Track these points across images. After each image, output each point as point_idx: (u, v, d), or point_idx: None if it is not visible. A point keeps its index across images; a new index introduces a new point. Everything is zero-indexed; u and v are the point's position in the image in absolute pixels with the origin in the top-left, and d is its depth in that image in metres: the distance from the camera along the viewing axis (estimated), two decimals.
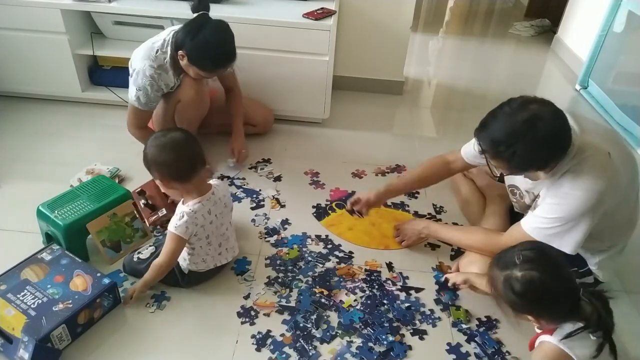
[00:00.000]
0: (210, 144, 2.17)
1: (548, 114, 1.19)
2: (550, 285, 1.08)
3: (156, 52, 1.80)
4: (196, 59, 1.76)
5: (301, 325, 1.43)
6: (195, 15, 1.79)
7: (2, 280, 1.37)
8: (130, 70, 1.88)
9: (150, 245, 1.55)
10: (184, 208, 1.39)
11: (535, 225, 1.33)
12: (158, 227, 1.72)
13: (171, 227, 1.38)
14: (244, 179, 2.05)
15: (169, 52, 1.81)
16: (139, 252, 1.53)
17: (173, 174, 1.37)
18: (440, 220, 1.91)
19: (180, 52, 1.77)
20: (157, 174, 1.39)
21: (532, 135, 1.17)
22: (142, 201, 1.64)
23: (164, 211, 1.65)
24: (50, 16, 2.19)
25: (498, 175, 1.36)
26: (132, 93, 1.85)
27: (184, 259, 1.48)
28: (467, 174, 1.91)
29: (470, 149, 1.58)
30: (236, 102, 2.13)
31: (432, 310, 1.51)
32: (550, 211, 1.30)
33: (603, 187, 1.23)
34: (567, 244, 1.29)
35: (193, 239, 1.42)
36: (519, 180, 1.50)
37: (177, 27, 1.85)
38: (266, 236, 1.76)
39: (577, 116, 1.33)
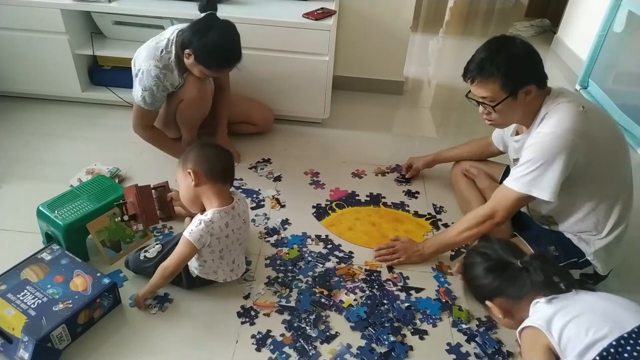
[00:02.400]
0: None
1: (520, 39, 1.37)
2: (493, 255, 1.20)
3: (161, 52, 1.80)
4: (203, 58, 1.77)
5: (302, 325, 1.43)
6: (203, 14, 1.80)
7: (2, 280, 1.37)
8: (134, 70, 1.88)
9: (157, 244, 1.54)
10: (202, 216, 1.38)
11: (514, 176, 1.40)
12: (159, 227, 1.72)
13: (186, 232, 1.38)
14: (241, 179, 2.05)
15: (173, 52, 1.81)
16: (145, 251, 1.52)
17: (208, 170, 1.39)
18: (440, 220, 1.91)
19: (187, 50, 1.78)
20: (192, 164, 1.40)
21: (509, 49, 1.34)
22: (121, 214, 1.59)
23: (145, 222, 1.61)
24: (50, 16, 2.19)
25: (492, 112, 1.40)
26: (137, 94, 1.85)
27: (195, 267, 1.47)
28: (467, 174, 1.92)
29: (495, 133, 1.79)
30: (224, 102, 2.15)
31: (432, 311, 1.51)
32: (525, 156, 1.37)
33: (572, 128, 1.30)
34: (544, 189, 1.34)
35: (206, 250, 1.40)
36: (512, 149, 1.57)
37: (180, 26, 1.86)
38: (266, 236, 1.76)
39: (567, 89, 1.45)
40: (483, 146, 1.89)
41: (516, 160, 1.54)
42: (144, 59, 1.81)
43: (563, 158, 1.30)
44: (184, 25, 1.84)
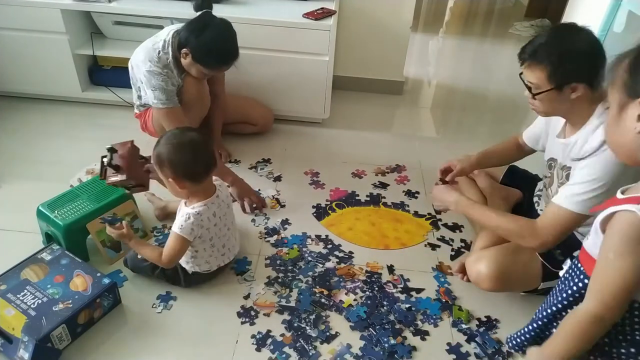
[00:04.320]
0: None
1: (589, 33, 1.26)
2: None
3: (158, 54, 1.80)
4: (201, 57, 1.76)
5: (302, 325, 1.43)
6: (199, 13, 1.79)
7: (2, 280, 1.37)
8: (131, 73, 1.88)
9: (155, 243, 1.54)
10: (189, 210, 1.38)
11: (568, 193, 1.26)
12: (159, 227, 1.72)
13: (176, 228, 1.38)
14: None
15: (170, 53, 1.81)
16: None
17: (188, 174, 1.35)
18: (440, 220, 1.91)
19: (184, 50, 1.77)
20: (170, 172, 1.35)
21: (570, 41, 1.25)
22: (109, 158, 1.53)
23: (125, 177, 1.53)
24: (50, 16, 2.19)
25: (536, 93, 1.30)
26: (150, 97, 1.82)
27: (186, 262, 1.48)
28: (471, 175, 1.90)
29: (528, 132, 1.63)
30: (219, 110, 2.15)
31: (432, 311, 1.51)
32: (583, 176, 1.24)
33: None
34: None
35: (197, 241, 1.42)
36: (556, 150, 1.44)
37: (175, 26, 1.85)
38: (266, 236, 1.76)
39: None
40: (516, 148, 1.70)
41: (552, 161, 1.47)
42: (142, 61, 1.80)
43: (624, 180, 1.19)
44: (179, 25, 1.84)
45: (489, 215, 1.44)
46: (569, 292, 1.04)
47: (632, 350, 0.94)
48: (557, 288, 1.11)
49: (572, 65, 1.24)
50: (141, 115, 2.04)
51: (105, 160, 1.53)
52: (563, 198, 1.27)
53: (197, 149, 1.36)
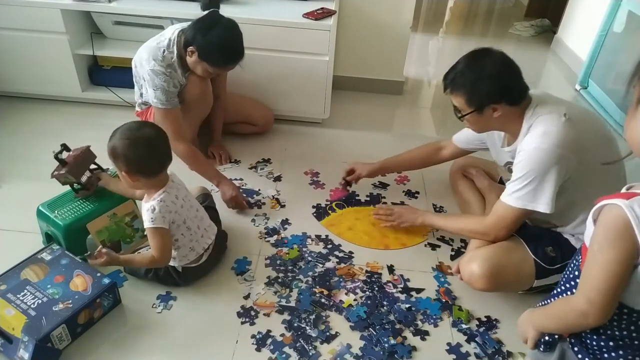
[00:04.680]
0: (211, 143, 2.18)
1: (498, 55, 1.40)
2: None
3: (163, 52, 1.80)
4: (207, 55, 1.76)
5: (302, 325, 1.43)
6: (206, 12, 1.80)
7: (2, 280, 1.37)
8: (135, 71, 1.88)
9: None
10: (151, 202, 1.37)
11: (510, 191, 1.40)
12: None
13: (147, 224, 1.36)
14: (241, 179, 2.05)
15: (175, 51, 1.81)
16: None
17: (142, 170, 1.35)
18: None
19: (190, 48, 1.77)
20: (123, 167, 1.34)
21: (481, 67, 1.37)
22: (57, 151, 1.55)
23: (63, 171, 1.55)
24: (50, 16, 2.19)
25: (461, 116, 1.45)
26: (151, 96, 1.82)
27: (173, 259, 1.47)
28: (467, 174, 1.92)
29: (460, 135, 1.78)
30: (220, 110, 2.16)
31: (432, 311, 1.51)
32: (516, 172, 1.38)
33: (557, 141, 1.31)
34: (541, 203, 1.34)
35: (173, 228, 1.41)
36: (505, 157, 1.57)
37: (180, 25, 1.85)
38: (266, 236, 1.76)
39: (548, 94, 1.49)
40: (430, 153, 1.90)
41: (508, 164, 1.55)
42: (146, 60, 1.80)
43: (553, 171, 1.31)
44: (185, 24, 1.84)
45: (451, 221, 1.65)
46: (572, 282, 1.03)
47: (611, 344, 0.94)
48: (566, 273, 1.10)
49: (484, 90, 1.37)
50: (142, 114, 2.04)
51: (54, 152, 1.55)
52: (505, 195, 1.42)
53: (151, 145, 1.35)
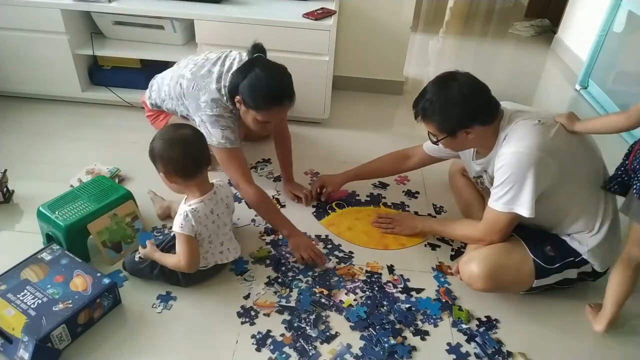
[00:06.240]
0: None
1: (464, 78, 1.38)
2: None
3: (226, 100, 1.69)
4: (250, 99, 1.59)
5: (302, 325, 1.43)
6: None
7: (2, 280, 1.37)
8: (175, 89, 1.79)
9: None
10: (186, 207, 1.40)
11: (494, 197, 1.42)
12: (159, 227, 1.72)
13: (176, 227, 1.38)
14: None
15: (229, 105, 1.70)
16: (139, 252, 1.53)
17: (178, 170, 1.38)
18: None
19: (237, 98, 1.63)
20: (161, 167, 1.39)
21: (447, 94, 1.37)
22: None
23: None
24: (50, 16, 2.19)
25: (436, 141, 1.47)
26: (218, 136, 1.66)
27: None
28: (466, 174, 1.91)
29: (429, 144, 1.73)
30: (287, 149, 2.02)
31: (432, 311, 1.51)
32: (498, 178, 1.40)
33: (533, 144, 1.33)
34: (522, 207, 1.36)
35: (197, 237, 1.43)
36: (478, 168, 1.59)
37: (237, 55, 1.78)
38: (266, 236, 1.76)
39: (518, 104, 1.52)
40: (398, 161, 1.91)
41: (483, 173, 1.58)
42: (207, 104, 1.67)
43: (532, 174, 1.32)
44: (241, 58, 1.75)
45: (449, 227, 1.69)
46: None
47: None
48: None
49: (454, 116, 1.38)
50: (154, 117, 2.01)
51: None
52: (491, 200, 1.44)
53: (187, 145, 1.38)
